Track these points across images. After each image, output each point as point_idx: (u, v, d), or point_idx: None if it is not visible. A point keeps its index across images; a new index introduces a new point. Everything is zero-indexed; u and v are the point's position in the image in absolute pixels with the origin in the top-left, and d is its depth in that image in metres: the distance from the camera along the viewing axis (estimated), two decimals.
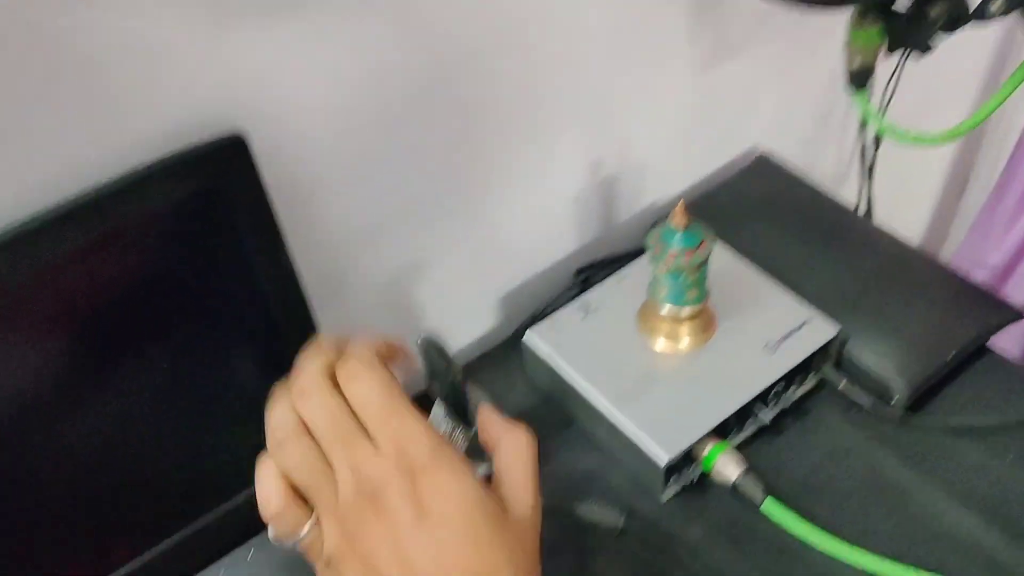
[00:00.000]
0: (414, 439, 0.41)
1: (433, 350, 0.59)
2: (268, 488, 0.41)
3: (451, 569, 0.39)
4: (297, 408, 0.42)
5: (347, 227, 0.64)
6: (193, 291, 0.53)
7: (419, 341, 0.59)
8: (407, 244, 0.69)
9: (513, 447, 0.46)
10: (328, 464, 0.41)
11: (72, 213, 0.47)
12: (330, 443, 0.41)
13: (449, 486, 0.40)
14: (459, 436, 0.63)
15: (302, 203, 0.60)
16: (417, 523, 0.39)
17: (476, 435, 0.63)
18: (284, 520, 0.41)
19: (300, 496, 0.41)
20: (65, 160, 0.49)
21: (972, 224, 1.25)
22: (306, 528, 0.41)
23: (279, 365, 0.44)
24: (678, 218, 0.63)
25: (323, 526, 0.41)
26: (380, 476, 0.40)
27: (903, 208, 1.23)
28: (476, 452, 0.64)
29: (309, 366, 0.43)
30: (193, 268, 0.53)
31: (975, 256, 1.21)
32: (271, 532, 0.42)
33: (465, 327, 0.78)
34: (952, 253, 1.30)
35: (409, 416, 0.42)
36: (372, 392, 0.42)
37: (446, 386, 0.60)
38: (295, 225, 0.57)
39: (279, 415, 0.42)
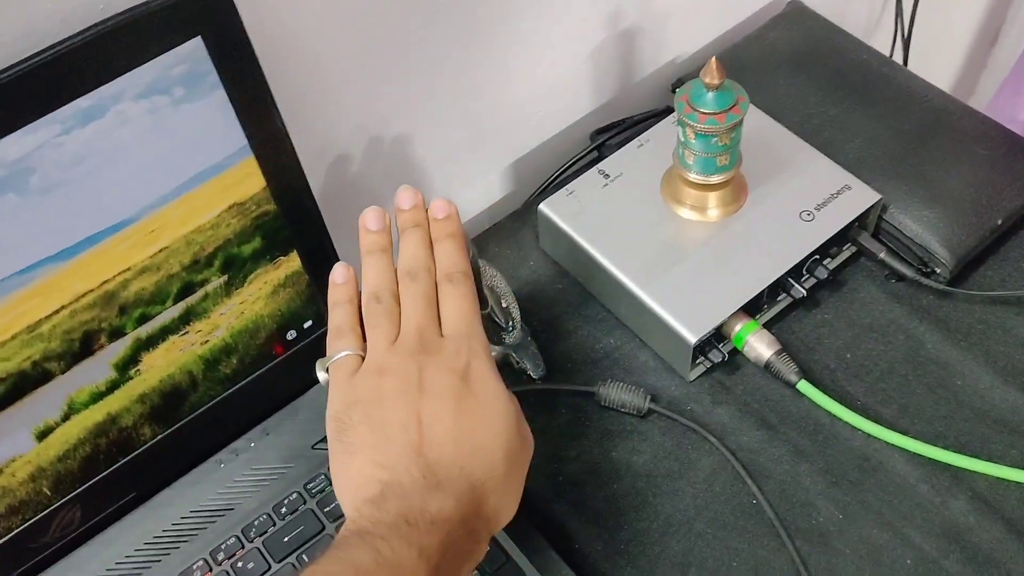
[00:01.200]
0: (477, 364, 0.46)
1: None
2: (342, 315, 0.49)
3: (471, 445, 0.44)
4: (401, 283, 0.49)
5: (344, 86, 0.58)
6: (176, 154, 0.48)
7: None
8: (410, 106, 0.63)
9: None
10: (398, 321, 0.47)
11: (28, 75, 0.41)
12: (411, 309, 0.48)
13: (491, 379, 0.46)
14: None
15: (294, 60, 0.54)
16: (461, 395, 0.45)
17: (491, 313, 0.59)
18: (339, 336, 0.48)
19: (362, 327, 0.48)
20: (45, 8, 0.43)
21: (1004, 80, 1.18)
22: (351, 351, 0.47)
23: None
24: (711, 74, 0.57)
25: (366, 360, 0.47)
26: (439, 342, 0.46)
27: (931, 61, 1.15)
28: (491, 333, 0.60)
29: (426, 253, 0.50)
30: (177, 128, 0.47)
31: (1005, 112, 1.14)
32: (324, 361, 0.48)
33: (474, 196, 0.73)
34: (981, 108, 1.23)
35: (481, 343, 0.48)
36: (461, 306, 0.48)
37: None
38: (287, 84, 0.51)
39: (383, 275, 0.49)
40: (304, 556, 0.54)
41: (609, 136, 0.74)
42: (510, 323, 0.60)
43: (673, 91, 0.75)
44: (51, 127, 0.43)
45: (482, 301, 0.58)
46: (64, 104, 0.43)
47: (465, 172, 0.71)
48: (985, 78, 1.31)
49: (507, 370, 0.62)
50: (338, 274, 0.51)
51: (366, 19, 0.56)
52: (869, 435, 0.58)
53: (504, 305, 0.59)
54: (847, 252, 0.66)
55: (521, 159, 0.73)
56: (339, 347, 0.48)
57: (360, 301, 0.49)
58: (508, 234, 0.71)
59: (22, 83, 0.41)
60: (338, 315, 0.49)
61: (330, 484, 0.55)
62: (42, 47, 0.42)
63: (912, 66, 0.96)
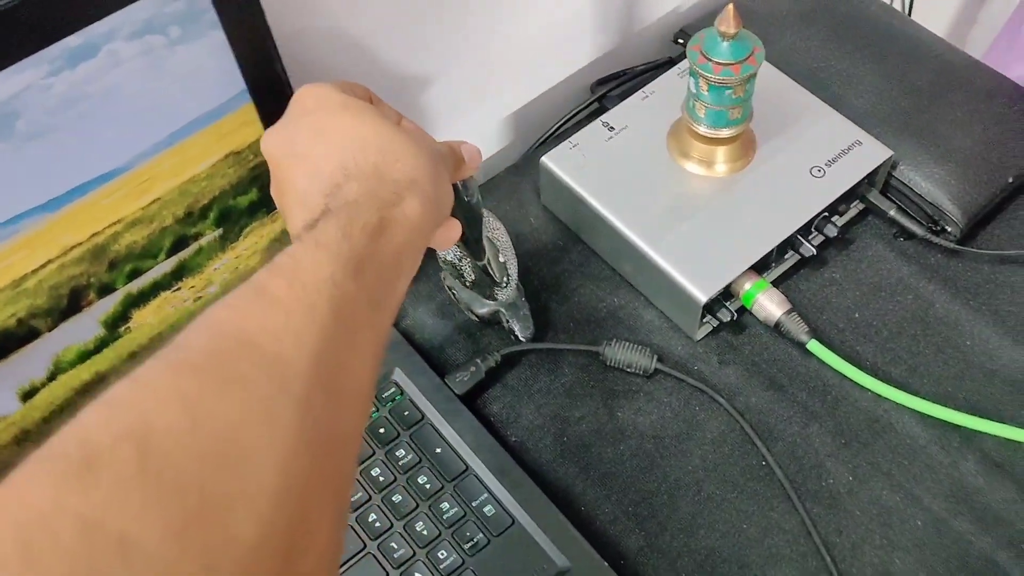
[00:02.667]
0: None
1: None
2: None
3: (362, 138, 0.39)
4: None
5: (343, 31, 0.55)
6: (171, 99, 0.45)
7: None
8: (408, 52, 0.60)
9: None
10: None
11: (12, 10, 0.38)
12: None
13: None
14: (467, 267, 0.57)
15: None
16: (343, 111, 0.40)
17: (486, 266, 0.57)
18: None
19: None
20: None
21: (997, 35, 1.17)
22: None
23: None
24: (728, 23, 0.54)
25: None
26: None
27: (932, 13, 1.13)
28: (483, 287, 0.58)
29: None
30: (172, 70, 0.44)
31: (1000, 64, 1.13)
32: None
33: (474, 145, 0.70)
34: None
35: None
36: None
37: (461, 207, 0.53)
38: (286, 25, 0.48)
39: None
40: None
41: (611, 88, 0.72)
42: (504, 279, 0.58)
43: (675, 42, 0.73)
44: (38, 68, 0.40)
45: (480, 251, 0.56)
46: (52, 43, 0.40)
47: (462, 122, 0.68)
48: (976, 32, 1.30)
49: (495, 327, 0.61)
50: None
51: None
52: (879, 396, 0.57)
53: (501, 260, 0.57)
54: (855, 209, 0.64)
55: (520, 110, 0.71)
56: None
57: None
58: (507, 188, 0.68)
59: (5, 19, 0.38)
60: None
61: None
62: None
63: (916, 17, 0.94)
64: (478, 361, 0.58)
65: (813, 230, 0.61)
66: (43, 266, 0.45)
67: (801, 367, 0.59)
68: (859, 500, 0.54)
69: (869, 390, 0.57)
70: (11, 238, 0.43)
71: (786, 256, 0.62)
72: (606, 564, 0.51)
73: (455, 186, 0.51)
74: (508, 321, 0.60)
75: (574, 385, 0.59)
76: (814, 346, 0.58)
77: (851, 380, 0.57)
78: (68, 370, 0.49)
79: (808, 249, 0.60)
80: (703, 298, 0.57)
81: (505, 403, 0.58)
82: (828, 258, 0.63)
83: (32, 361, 0.48)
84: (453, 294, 0.61)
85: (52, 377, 0.49)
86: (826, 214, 0.61)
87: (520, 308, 0.60)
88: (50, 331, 0.47)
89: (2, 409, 0.48)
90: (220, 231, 0.51)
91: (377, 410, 0.56)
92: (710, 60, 0.56)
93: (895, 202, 0.63)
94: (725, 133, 0.59)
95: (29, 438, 0.50)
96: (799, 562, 0.52)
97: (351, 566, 0.51)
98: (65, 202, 0.44)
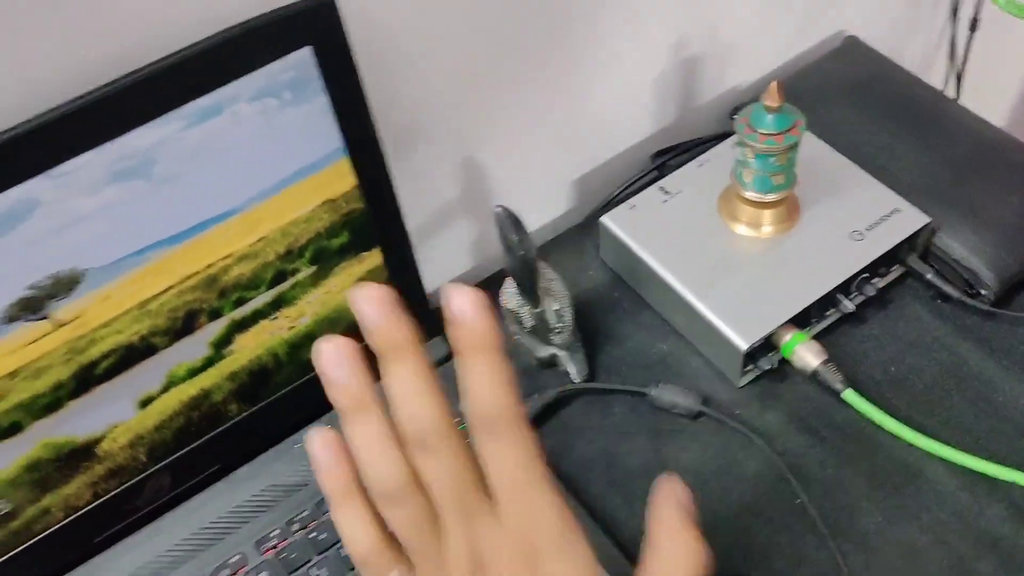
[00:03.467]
0: (546, 519, 0.35)
1: (508, 222, 0.58)
2: (357, 530, 0.36)
3: None
4: (414, 458, 0.35)
5: (428, 99, 0.63)
6: (280, 152, 0.53)
7: (495, 212, 0.58)
8: (484, 116, 0.68)
9: (676, 556, 0.37)
10: (437, 523, 0.35)
11: (159, 75, 0.47)
12: (450, 510, 0.35)
13: None
14: (526, 314, 0.63)
15: (384, 65, 0.59)
16: None
17: (543, 312, 0.63)
18: (372, 566, 0.36)
19: (393, 539, 0.36)
20: (149, 22, 0.48)
21: None
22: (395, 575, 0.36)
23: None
24: (772, 97, 0.61)
25: None
26: (498, 556, 0.35)
27: (986, 97, 1.17)
28: (541, 332, 0.64)
29: (430, 401, 0.34)
30: (282, 128, 0.52)
31: None
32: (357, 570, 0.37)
33: (539, 208, 0.77)
34: None
35: (547, 491, 0.35)
36: (513, 458, 0.35)
37: (518, 260, 0.59)
38: (375, 86, 0.56)
39: (388, 464, 0.35)
40: None
41: (669, 157, 0.78)
42: (560, 325, 0.64)
43: (731, 118, 0.79)
44: (176, 122, 0.48)
45: (536, 299, 0.62)
46: (187, 102, 0.48)
47: (533, 184, 0.75)
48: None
49: (553, 370, 0.66)
50: (318, 447, 0.37)
51: (453, 40, 0.61)
52: (911, 444, 0.61)
53: (556, 308, 0.63)
54: (896, 272, 0.69)
55: (585, 175, 0.78)
56: None
57: (359, 478, 0.37)
58: (570, 245, 0.75)
59: (155, 81, 0.47)
60: (350, 527, 0.37)
61: None
62: (171, 51, 0.47)
63: (964, 101, 0.99)
64: (535, 396, 0.64)
65: (853, 289, 0.66)
66: (164, 291, 0.53)
67: (838, 415, 0.63)
68: (888, 539, 0.57)
69: (902, 438, 0.61)
70: (141, 265, 0.51)
71: (827, 313, 0.66)
72: None
73: (510, 240, 0.58)
74: (564, 363, 0.66)
75: (623, 423, 0.64)
76: (849, 395, 0.62)
77: (884, 429, 0.61)
78: (179, 384, 0.57)
79: (847, 306, 0.65)
80: (744, 346, 0.62)
81: (559, 438, 0.64)
82: (868, 316, 0.67)
83: (149, 374, 0.55)
84: (515, 339, 0.67)
85: (165, 389, 0.56)
86: (867, 275, 0.66)
87: (575, 352, 0.66)
88: (167, 348, 0.55)
89: (122, 415, 0.56)
90: (314, 268, 0.58)
91: None
92: (756, 131, 0.62)
93: (932, 266, 0.68)
94: (770, 197, 0.65)
95: (142, 443, 0.57)
96: None
97: None
98: (187, 236, 0.52)
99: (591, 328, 0.69)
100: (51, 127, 0.45)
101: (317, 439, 0.36)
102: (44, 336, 0.50)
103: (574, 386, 0.65)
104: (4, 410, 0.51)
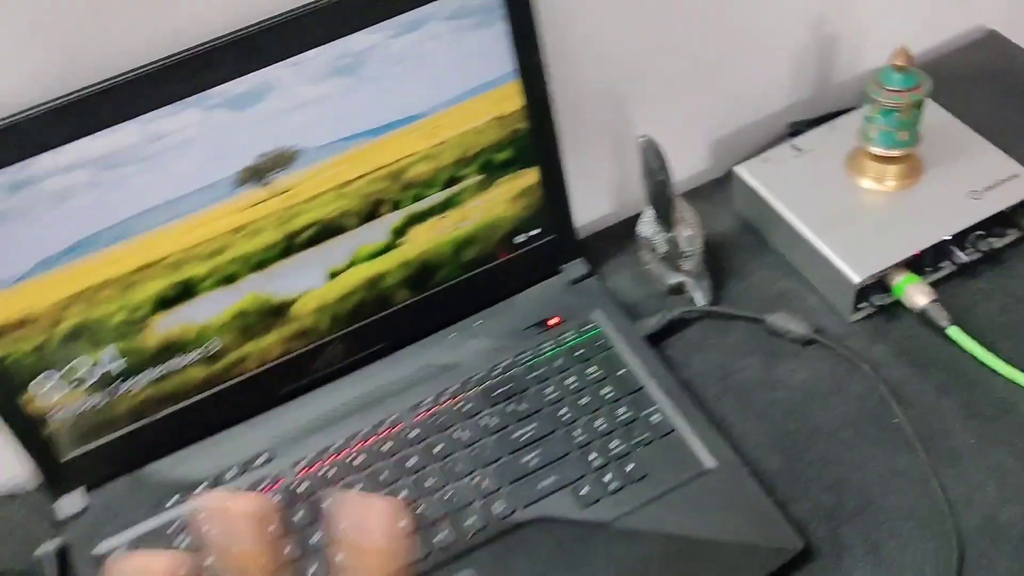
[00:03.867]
0: None
1: (652, 150, 0.66)
2: None
3: None
4: None
5: (594, 41, 0.72)
6: (463, 68, 0.63)
7: (640, 140, 0.67)
8: (638, 72, 0.76)
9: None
10: None
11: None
12: None
13: None
14: (660, 240, 0.71)
15: (561, 11, 0.68)
16: None
17: (675, 238, 0.70)
18: None
19: None
20: None
21: None
22: None
23: None
24: (900, 57, 0.67)
25: None
26: None
27: None
28: (671, 258, 0.71)
29: None
30: (468, 47, 0.62)
31: None
32: None
33: (678, 163, 0.85)
34: None
35: None
36: None
37: (656, 185, 0.67)
38: (552, 28, 0.66)
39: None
40: (511, 406, 0.67)
41: (804, 128, 0.85)
42: (690, 250, 0.71)
43: None
44: (385, 32, 0.59)
45: (669, 224, 0.70)
46: (396, 15, 0.59)
47: (675, 138, 0.83)
48: None
49: (680, 296, 0.74)
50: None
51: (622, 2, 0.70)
52: (1010, 380, 0.65)
53: (688, 234, 0.71)
54: (1012, 236, 0.73)
55: (723, 137, 0.85)
56: None
57: None
58: (706, 195, 0.82)
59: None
60: None
61: (536, 355, 0.69)
62: None
63: None
64: (663, 312, 0.72)
65: (968, 244, 0.71)
66: (359, 177, 0.64)
67: (942, 352, 0.68)
68: (978, 460, 0.62)
69: (1001, 374, 0.65)
70: (343, 152, 0.62)
71: (941, 264, 0.72)
72: (746, 469, 0.62)
73: (651, 166, 0.66)
74: (690, 290, 0.73)
75: (739, 344, 0.71)
76: (954, 331, 0.67)
77: (985, 365, 0.66)
78: (361, 263, 0.67)
79: (960, 258, 0.70)
80: (857, 279, 0.68)
81: (680, 349, 0.71)
82: (980, 272, 0.72)
83: (339, 250, 0.66)
84: (647, 268, 0.75)
85: (350, 266, 0.67)
86: (982, 232, 0.71)
87: (701, 279, 0.73)
88: (354, 229, 0.66)
89: (313, 283, 0.67)
90: (481, 177, 0.68)
91: (578, 337, 0.70)
92: (883, 87, 0.68)
93: None
94: (894, 152, 0.71)
95: (326, 311, 0.68)
96: (916, 499, 0.61)
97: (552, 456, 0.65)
98: (381, 132, 0.63)
99: (718, 266, 0.76)
100: (292, 24, 0.57)
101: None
102: (262, 202, 0.62)
103: (697, 309, 0.73)
104: (226, 261, 0.63)
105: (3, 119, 0.53)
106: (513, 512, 0.62)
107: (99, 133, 0.55)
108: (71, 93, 0.54)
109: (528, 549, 0.61)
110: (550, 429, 0.66)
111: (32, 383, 0.62)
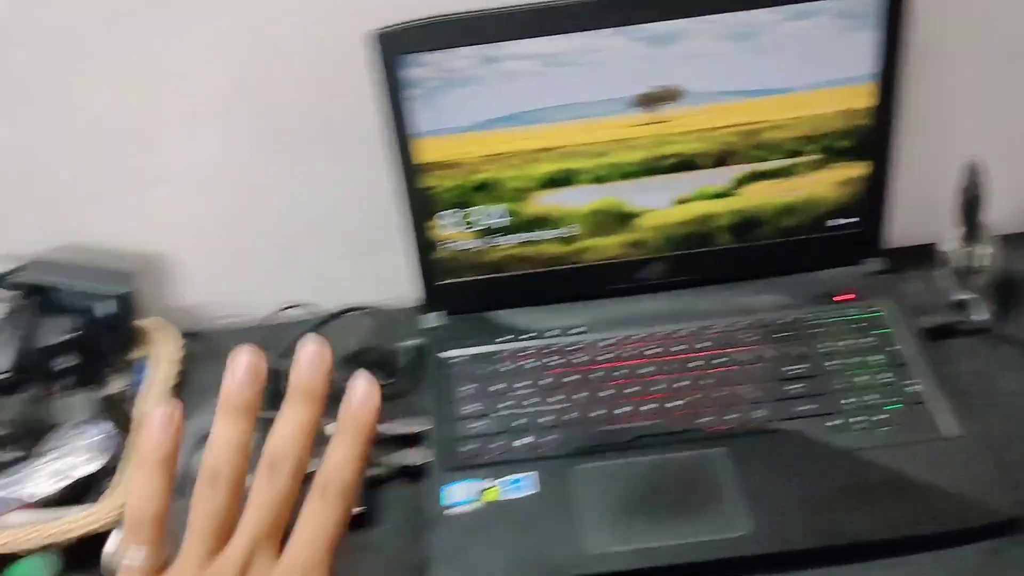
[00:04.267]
0: (321, 571, 0.39)
1: (973, 168, 0.77)
2: (152, 492, 0.39)
3: None
4: (256, 475, 0.39)
5: (948, 71, 0.83)
6: (828, 60, 0.77)
7: (967, 160, 0.77)
8: (972, 106, 0.86)
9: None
10: (227, 534, 0.39)
11: None
12: (245, 534, 0.39)
13: None
14: (957, 253, 0.80)
15: (929, 29, 0.80)
16: None
17: (971, 252, 0.79)
18: (138, 533, 0.39)
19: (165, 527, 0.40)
20: None
21: None
22: (140, 559, 0.39)
23: None
24: None
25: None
26: (268, 572, 0.38)
27: None
28: (962, 273, 0.80)
29: (301, 444, 0.40)
30: (840, 43, 0.76)
31: None
32: (112, 541, 0.41)
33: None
34: None
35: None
36: (313, 530, 0.39)
37: (968, 201, 0.78)
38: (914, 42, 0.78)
39: (230, 456, 0.39)
40: (789, 348, 0.79)
41: None
42: (982, 266, 0.80)
43: None
44: (783, 13, 0.75)
45: (971, 241, 0.79)
46: (797, 2, 0.74)
47: (1001, 178, 0.91)
48: None
49: (958, 310, 0.82)
50: (157, 420, 0.40)
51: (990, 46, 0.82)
52: None
53: (984, 252, 0.79)
54: None
55: None
56: (131, 543, 0.39)
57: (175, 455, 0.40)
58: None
59: None
60: (142, 488, 0.39)
61: (820, 317, 0.81)
62: None
63: None
64: (944, 314, 0.81)
65: None
66: (723, 127, 0.79)
67: None
68: None
69: None
70: (719, 103, 0.78)
71: None
72: (983, 444, 0.70)
73: (969, 181, 0.77)
74: (973, 306, 0.82)
75: (1007, 359, 0.79)
76: None
77: None
78: (702, 200, 0.83)
79: None
80: None
81: (950, 349, 0.80)
82: None
83: (689, 183, 0.82)
84: (939, 281, 0.84)
85: (694, 199, 0.83)
86: None
87: (986, 299, 0.82)
88: (705, 169, 0.81)
89: (659, 204, 0.83)
90: (818, 157, 0.81)
91: (861, 314, 0.81)
92: None
93: None
94: None
95: (662, 231, 0.84)
96: None
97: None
98: (753, 95, 0.78)
99: (1011, 296, 0.83)
100: None
101: (159, 415, 0.40)
102: (644, 124, 0.79)
103: (976, 322, 0.81)
104: (603, 164, 0.81)
105: (496, 9, 0.74)
106: (769, 422, 0.74)
107: (554, 36, 0.75)
108: (547, 3, 0.74)
109: (773, 450, 0.72)
110: (817, 373, 0.77)
111: (439, 214, 0.83)
